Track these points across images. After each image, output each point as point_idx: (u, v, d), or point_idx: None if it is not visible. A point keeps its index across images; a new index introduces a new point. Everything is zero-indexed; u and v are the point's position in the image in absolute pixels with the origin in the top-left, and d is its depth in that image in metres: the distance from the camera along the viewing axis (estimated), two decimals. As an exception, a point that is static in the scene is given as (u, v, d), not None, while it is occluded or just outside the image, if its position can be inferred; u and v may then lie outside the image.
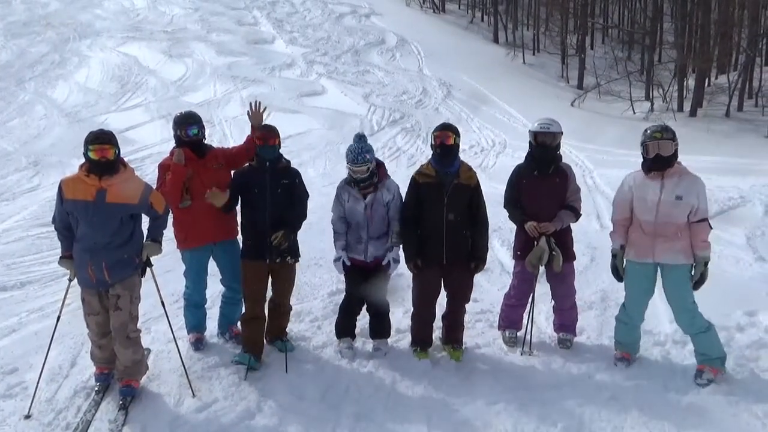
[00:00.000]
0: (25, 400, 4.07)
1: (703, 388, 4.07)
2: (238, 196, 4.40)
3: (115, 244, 3.91)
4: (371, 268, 4.52)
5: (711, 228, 4.14)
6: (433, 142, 4.39)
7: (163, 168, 4.49)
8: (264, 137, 4.36)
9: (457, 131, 4.42)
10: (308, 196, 4.53)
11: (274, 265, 4.36)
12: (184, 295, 4.77)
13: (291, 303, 4.70)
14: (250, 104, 4.65)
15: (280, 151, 4.47)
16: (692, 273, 4.12)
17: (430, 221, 4.35)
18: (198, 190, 4.46)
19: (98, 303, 4.02)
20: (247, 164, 4.47)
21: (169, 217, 4.27)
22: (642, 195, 4.16)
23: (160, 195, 4.16)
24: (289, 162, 4.52)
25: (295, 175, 4.47)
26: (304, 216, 4.46)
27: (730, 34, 17.69)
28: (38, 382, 4.05)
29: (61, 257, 4.09)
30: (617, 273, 4.35)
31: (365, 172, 4.35)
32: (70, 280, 4.12)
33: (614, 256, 4.35)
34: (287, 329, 4.74)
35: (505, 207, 4.70)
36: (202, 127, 4.60)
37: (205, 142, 4.70)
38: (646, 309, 4.37)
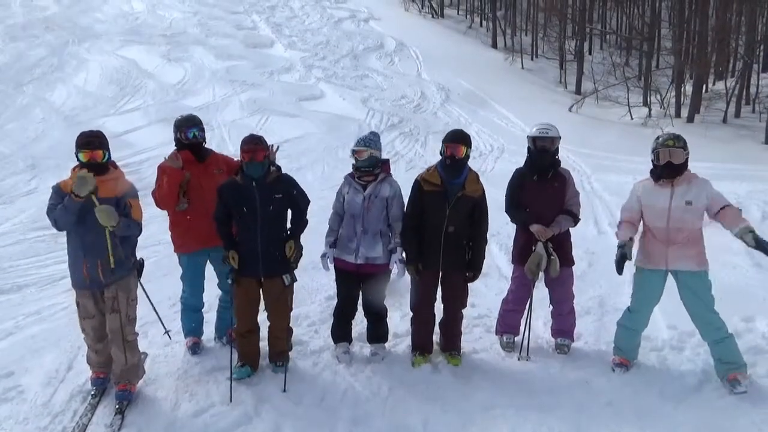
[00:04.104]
0: (21, 404, 4.06)
1: (701, 395, 4.07)
2: (228, 210, 4.15)
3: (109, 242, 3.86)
4: (362, 273, 4.45)
5: (739, 210, 4.03)
6: (443, 151, 4.28)
7: (162, 170, 4.49)
8: (251, 151, 4.02)
9: (470, 142, 4.31)
10: (308, 202, 4.34)
11: (265, 282, 4.22)
12: (181, 299, 4.76)
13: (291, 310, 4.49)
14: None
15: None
16: (708, 281, 4.08)
17: (430, 230, 4.30)
18: (196, 194, 4.45)
19: (93, 306, 4.00)
20: (234, 178, 4.15)
21: (139, 229, 4.03)
22: (651, 202, 4.15)
23: (140, 207, 4.02)
24: (279, 169, 4.24)
25: (290, 185, 4.22)
26: (305, 224, 4.32)
27: (728, 40, 17.77)
28: None
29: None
30: (621, 264, 4.14)
31: (365, 156, 4.32)
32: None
33: (621, 246, 4.16)
34: (288, 350, 4.49)
35: (507, 211, 4.67)
36: (202, 130, 4.58)
37: (206, 146, 4.69)
38: (650, 316, 4.36)
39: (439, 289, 4.51)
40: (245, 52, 19.42)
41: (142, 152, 11.53)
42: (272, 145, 4.33)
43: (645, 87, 17.74)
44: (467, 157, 4.29)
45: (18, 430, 3.82)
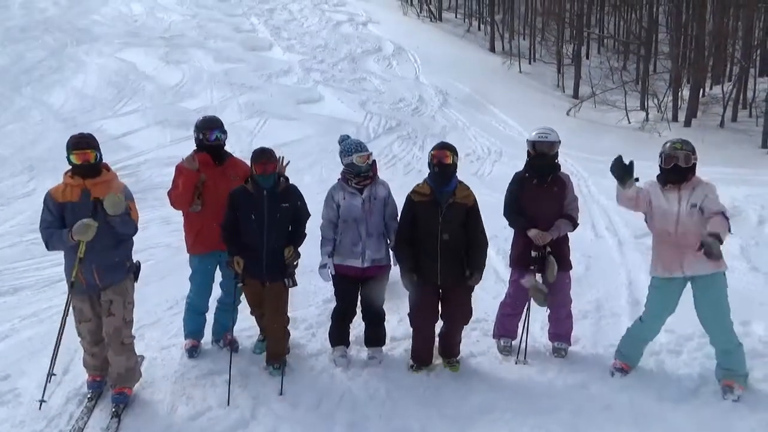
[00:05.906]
0: (17, 407, 4.05)
1: (698, 398, 4.07)
2: (237, 218, 4.24)
3: (104, 246, 3.86)
4: (365, 276, 4.45)
5: (728, 223, 3.87)
6: (430, 161, 4.32)
7: (179, 170, 4.50)
8: (263, 165, 4.13)
9: (455, 150, 4.34)
10: (309, 216, 4.38)
11: (266, 284, 4.30)
12: (186, 299, 4.73)
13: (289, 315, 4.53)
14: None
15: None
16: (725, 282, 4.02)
17: (425, 240, 4.28)
18: (211, 196, 4.44)
19: (90, 309, 4.00)
20: (245, 186, 4.26)
21: (135, 229, 4.05)
22: (659, 204, 4.10)
23: (136, 210, 4.06)
24: (287, 180, 4.33)
25: (296, 196, 4.31)
26: (304, 236, 4.37)
27: (725, 45, 17.85)
28: None
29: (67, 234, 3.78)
30: (620, 165, 3.94)
31: (368, 159, 4.38)
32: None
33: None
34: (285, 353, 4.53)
35: (504, 215, 4.65)
36: (224, 132, 4.59)
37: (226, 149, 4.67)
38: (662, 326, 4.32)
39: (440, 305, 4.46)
40: (244, 55, 19.44)
41: (140, 155, 11.54)
42: (281, 158, 4.38)
43: (642, 91, 17.82)
44: (455, 165, 4.29)
45: (14, 432, 3.80)
